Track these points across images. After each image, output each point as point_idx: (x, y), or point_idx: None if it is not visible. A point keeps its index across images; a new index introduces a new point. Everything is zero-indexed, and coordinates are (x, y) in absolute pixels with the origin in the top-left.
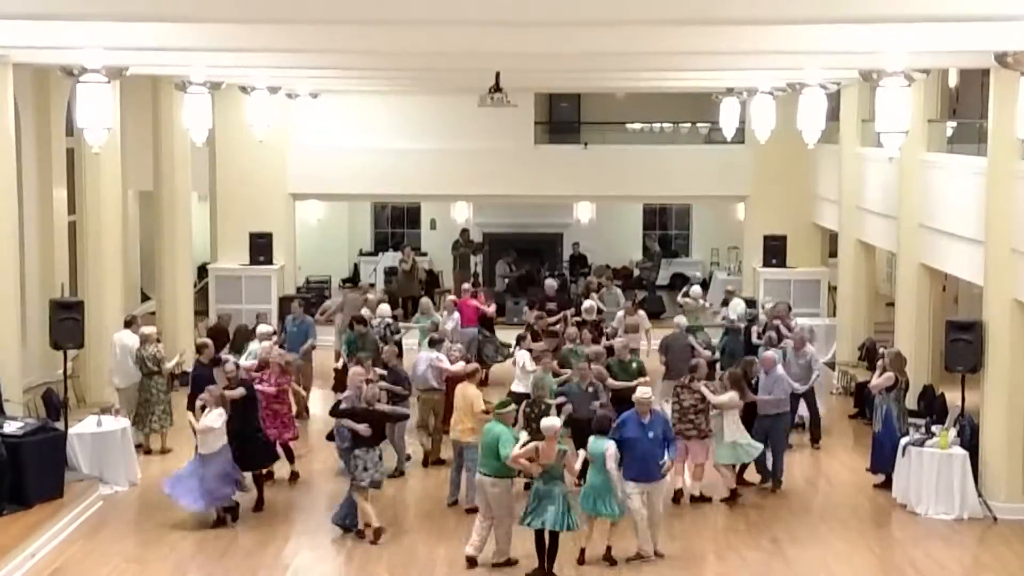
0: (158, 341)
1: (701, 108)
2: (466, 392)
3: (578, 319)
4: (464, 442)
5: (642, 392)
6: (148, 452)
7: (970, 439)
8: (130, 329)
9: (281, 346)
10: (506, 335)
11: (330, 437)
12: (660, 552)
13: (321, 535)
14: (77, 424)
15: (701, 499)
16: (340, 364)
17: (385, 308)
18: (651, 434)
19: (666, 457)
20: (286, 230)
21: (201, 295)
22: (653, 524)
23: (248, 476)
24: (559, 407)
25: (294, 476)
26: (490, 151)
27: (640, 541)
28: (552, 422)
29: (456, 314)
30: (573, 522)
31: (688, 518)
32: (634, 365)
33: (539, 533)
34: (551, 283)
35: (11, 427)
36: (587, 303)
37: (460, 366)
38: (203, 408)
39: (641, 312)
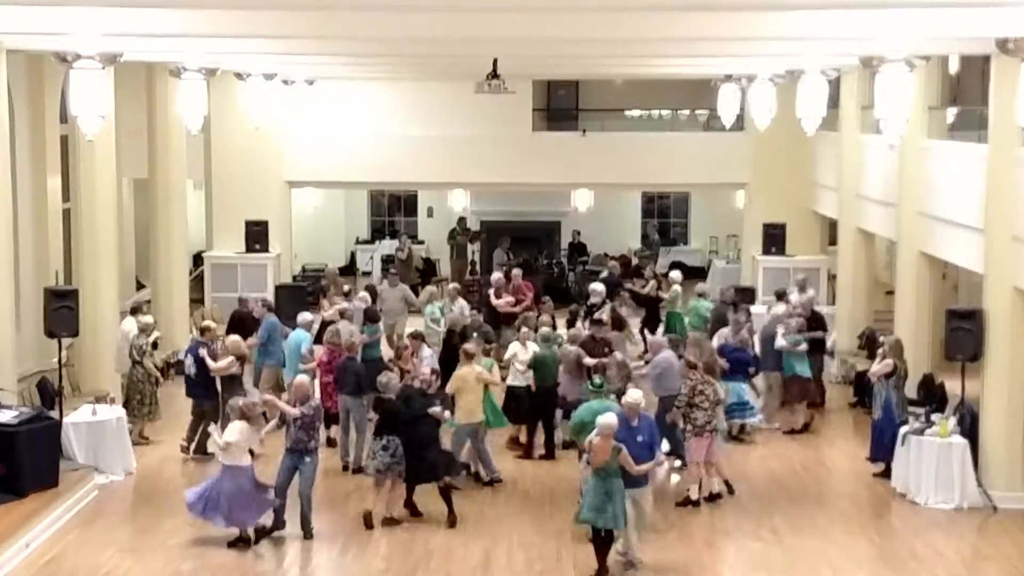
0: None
1: (700, 95)
2: (473, 372)
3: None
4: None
5: (632, 396)
6: (137, 442)
7: (970, 428)
8: (135, 317)
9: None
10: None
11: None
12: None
13: (318, 524)
14: (72, 413)
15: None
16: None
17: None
18: (639, 438)
19: (660, 457)
20: (282, 218)
21: (197, 283)
22: (639, 529)
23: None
24: None
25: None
26: (487, 138)
27: (626, 546)
28: (608, 419)
29: (461, 301)
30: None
31: (687, 508)
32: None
33: (597, 530)
34: (516, 272)
35: (6, 416)
36: (594, 286)
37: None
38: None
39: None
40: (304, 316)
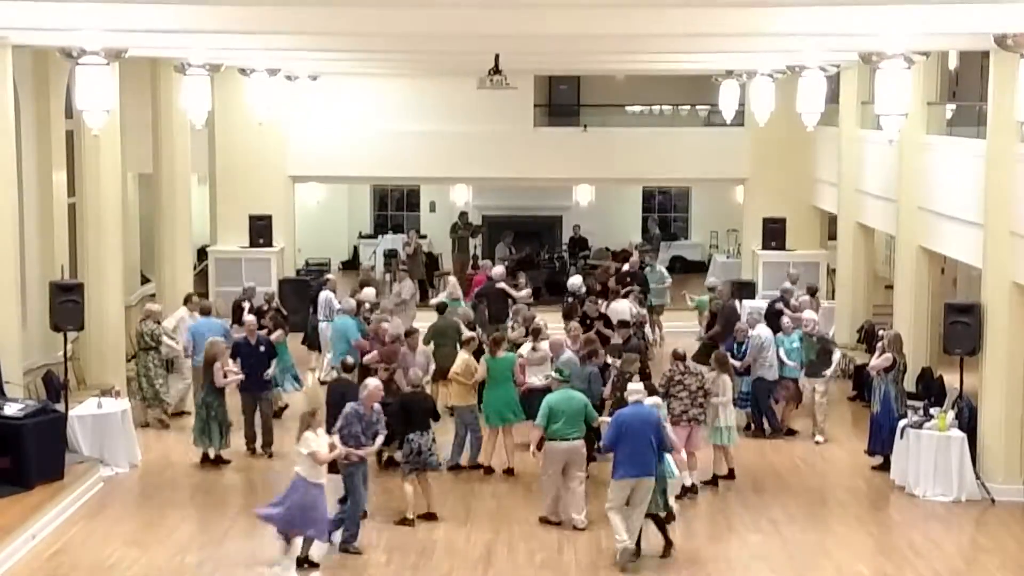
0: (158, 322)
1: (701, 90)
2: (462, 358)
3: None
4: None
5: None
6: (166, 426)
7: (968, 421)
8: (187, 307)
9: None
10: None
11: None
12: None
13: None
14: (77, 406)
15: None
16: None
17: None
18: None
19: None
20: (286, 212)
21: (201, 277)
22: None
23: None
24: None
25: None
26: (489, 134)
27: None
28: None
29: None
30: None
31: (687, 500)
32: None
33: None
34: (499, 270)
35: (11, 409)
36: (572, 280)
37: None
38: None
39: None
40: (349, 301)
